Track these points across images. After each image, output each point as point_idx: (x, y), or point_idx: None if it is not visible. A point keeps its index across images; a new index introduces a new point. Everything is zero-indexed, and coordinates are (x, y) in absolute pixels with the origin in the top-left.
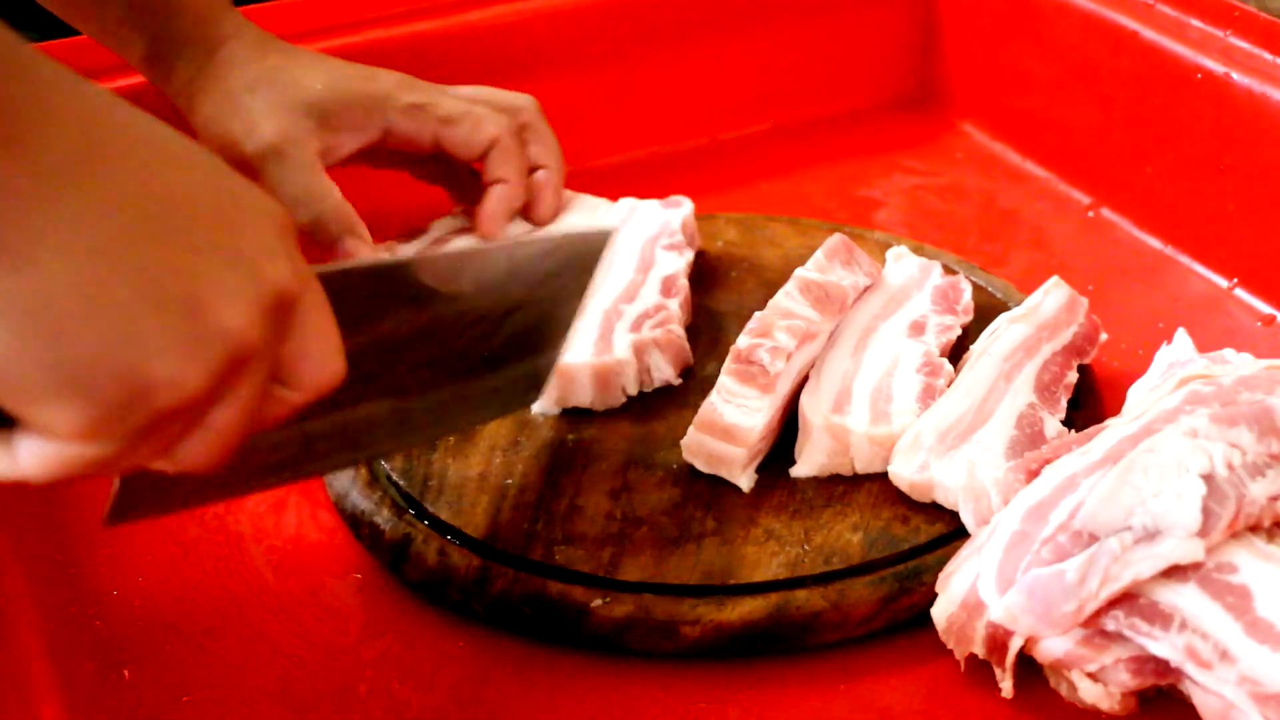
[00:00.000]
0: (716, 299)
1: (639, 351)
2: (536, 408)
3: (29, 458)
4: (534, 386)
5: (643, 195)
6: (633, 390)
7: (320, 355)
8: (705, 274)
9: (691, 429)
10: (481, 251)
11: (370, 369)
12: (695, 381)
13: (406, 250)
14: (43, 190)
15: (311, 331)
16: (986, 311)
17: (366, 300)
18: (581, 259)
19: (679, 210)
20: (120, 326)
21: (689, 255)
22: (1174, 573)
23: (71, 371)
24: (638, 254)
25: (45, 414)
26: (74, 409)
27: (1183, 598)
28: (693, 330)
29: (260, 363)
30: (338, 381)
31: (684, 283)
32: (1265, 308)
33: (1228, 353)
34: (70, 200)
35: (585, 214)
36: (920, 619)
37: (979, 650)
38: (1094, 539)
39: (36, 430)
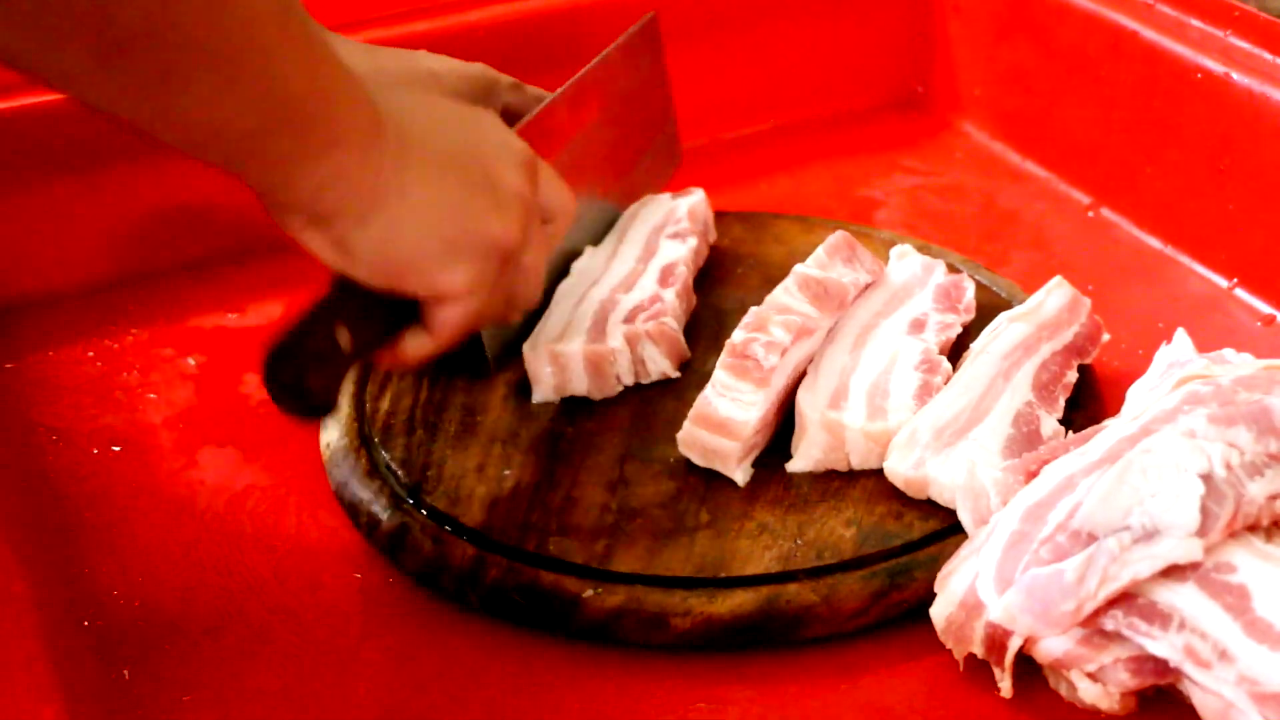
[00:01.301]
0: (721, 295)
1: (632, 342)
2: (536, 397)
3: (441, 324)
4: None
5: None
6: (628, 380)
7: (559, 193)
8: (710, 270)
9: (687, 423)
10: None
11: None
12: (694, 376)
13: None
14: (401, 156)
15: (548, 180)
16: (990, 311)
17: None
18: None
19: (687, 198)
20: (464, 210)
21: (693, 242)
22: (1173, 572)
23: (449, 245)
24: (642, 243)
25: (445, 279)
26: (459, 269)
27: (1181, 597)
28: (695, 325)
29: (535, 210)
30: (574, 205)
31: (683, 270)
32: (1265, 308)
33: (1227, 353)
34: (415, 158)
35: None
36: (917, 617)
37: (978, 650)
38: (1093, 539)
39: (440, 302)
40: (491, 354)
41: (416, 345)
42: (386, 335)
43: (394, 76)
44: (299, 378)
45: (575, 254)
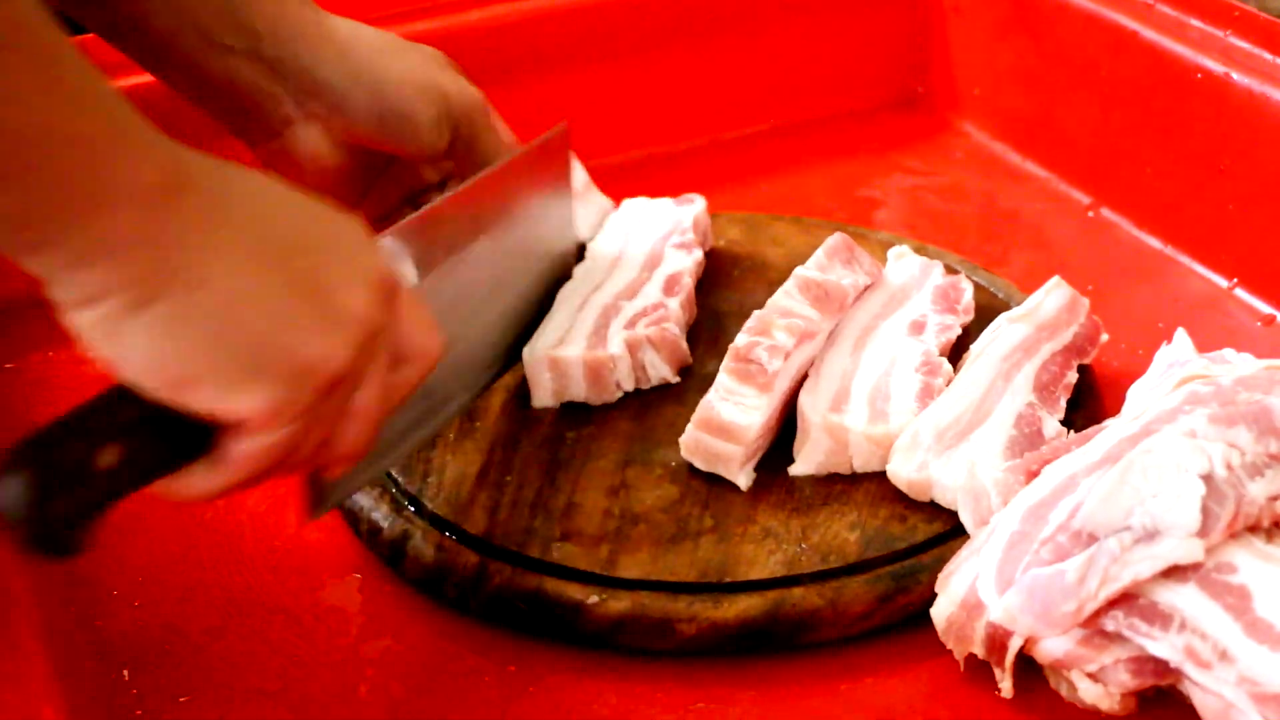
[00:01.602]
0: (718, 297)
1: (632, 348)
2: (536, 402)
3: (232, 458)
4: None
5: (644, 195)
6: (628, 386)
7: (423, 334)
8: (708, 272)
9: (690, 427)
10: None
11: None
12: (695, 380)
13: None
14: (207, 230)
15: (412, 315)
16: (988, 311)
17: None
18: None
19: (691, 208)
20: (279, 319)
21: (698, 254)
22: (1173, 573)
23: (251, 357)
24: (647, 251)
25: (238, 400)
26: (259, 390)
27: (1182, 598)
28: (693, 328)
29: (383, 338)
30: (440, 351)
31: (688, 281)
32: (1265, 308)
33: (1227, 353)
34: (225, 236)
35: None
36: (918, 618)
37: (978, 650)
38: (1093, 539)
39: (233, 427)
40: (312, 499)
41: (201, 480)
42: (170, 463)
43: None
44: (34, 501)
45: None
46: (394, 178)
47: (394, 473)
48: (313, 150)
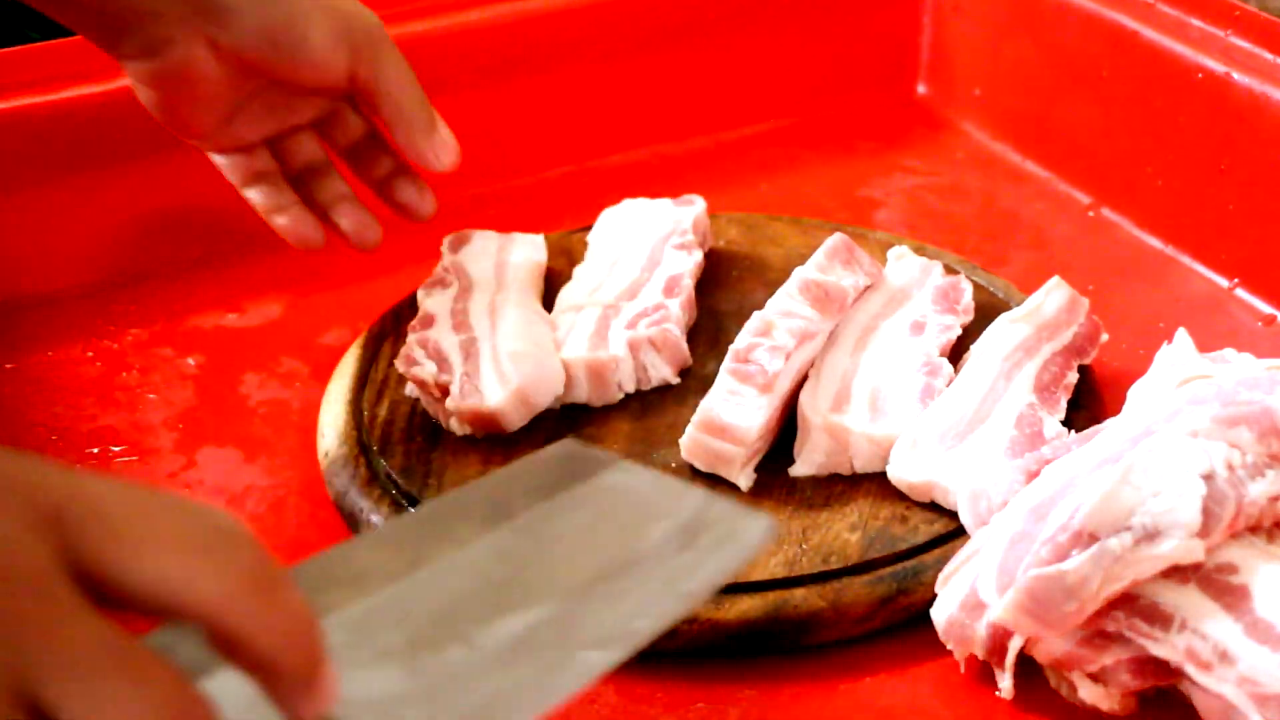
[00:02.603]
0: (717, 298)
1: (634, 349)
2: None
3: None
4: None
5: (643, 195)
6: (630, 387)
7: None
8: (707, 273)
9: (690, 428)
10: None
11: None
12: (695, 380)
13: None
14: None
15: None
16: (987, 311)
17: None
18: None
19: (691, 209)
20: None
21: (698, 256)
22: (1174, 573)
23: None
24: (647, 252)
25: None
26: None
27: (1183, 598)
28: (693, 329)
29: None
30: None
31: (688, 283)
32: (1265, 308)
33: (1228, 353)
34: None
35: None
36: (919, 618)
37: (979, 651)
38: (1094, 539)
39: None
40: None
41: None
42: None
43: None
44: None
45: None
46: (280, 105)
47: (394, 473)
48: (195, 72)
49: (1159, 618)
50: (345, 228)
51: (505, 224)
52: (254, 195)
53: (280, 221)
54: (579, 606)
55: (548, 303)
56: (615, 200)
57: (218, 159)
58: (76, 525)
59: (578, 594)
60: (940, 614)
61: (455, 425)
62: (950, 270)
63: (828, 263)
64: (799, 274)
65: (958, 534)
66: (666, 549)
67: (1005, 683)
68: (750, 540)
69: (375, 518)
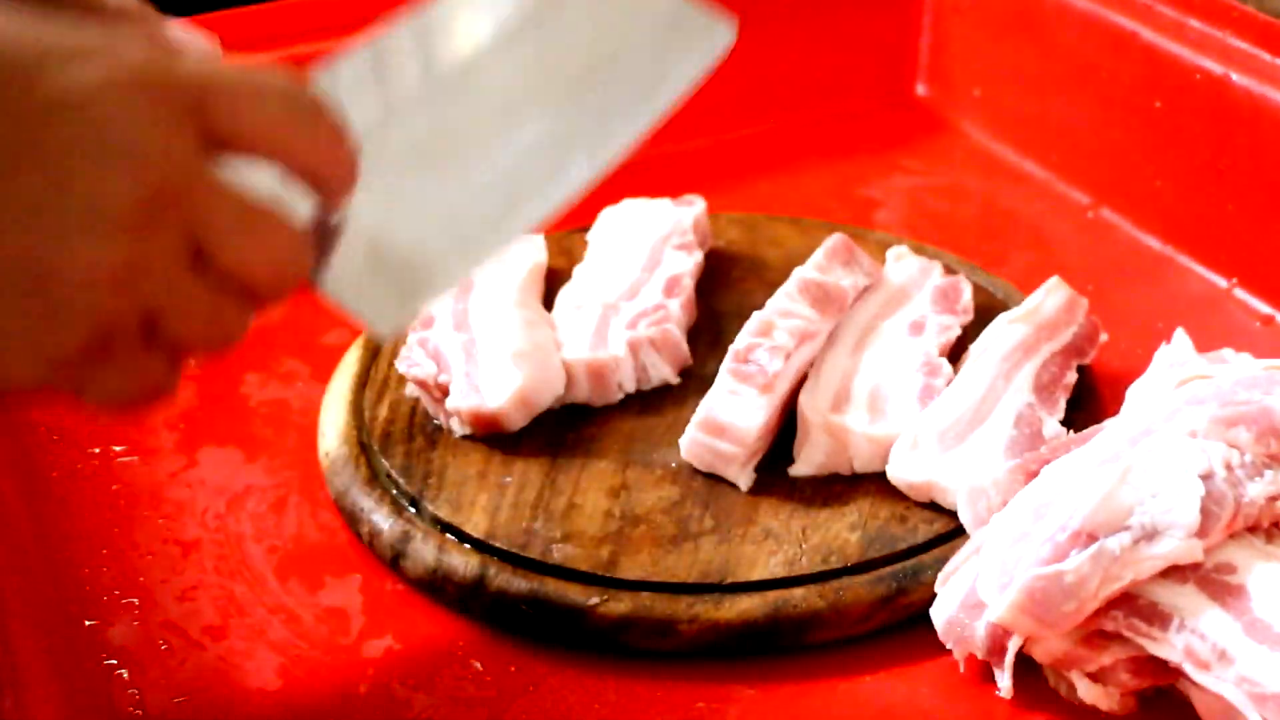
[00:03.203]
0: (717, 298)
1: (634, 349)
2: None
3: (94, 394)
4: None
5: (643, 195)
6: (630, 387)
7: (313, 135)
8: (707, 273)
9: (690, 428)
10: None
11: None
12: (695, 380)
13: None
14: None
15: (280, 112)
16: (986, 311)
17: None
18: None
19: (691, 209)
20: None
21: (698, 256)
22: (1173, 573)
23: None
24: (647, 252)
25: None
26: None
27: (1182, 598)
28: (693, 329)
29: (191, 169)
30: (349, 168)
31: (688, 283)
32: (1265, 308)
33: (1227, 353)
34: None
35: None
36: (919, 618)
37: (978, 650)
38: (1093, 539)
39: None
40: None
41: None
42: None
43: None
44: None
45: None
46: None
47: (394, 473)
48: None
49: (1158, 617)
50: None
51: None
52: None
53: None
54: (572, 116)
55: (548, 303)
56: (615, 200)
57: None
58: (212, 111)
59: (570, 102)
60: (940, 614)
61: (456, 425)
62: (949, 270)
63: (827, 263)
64: (799, 274)
65: (957, 534)
66: (640, 54)
67: (1004, 682)
68: (714, 47)
69: (376, 518)
